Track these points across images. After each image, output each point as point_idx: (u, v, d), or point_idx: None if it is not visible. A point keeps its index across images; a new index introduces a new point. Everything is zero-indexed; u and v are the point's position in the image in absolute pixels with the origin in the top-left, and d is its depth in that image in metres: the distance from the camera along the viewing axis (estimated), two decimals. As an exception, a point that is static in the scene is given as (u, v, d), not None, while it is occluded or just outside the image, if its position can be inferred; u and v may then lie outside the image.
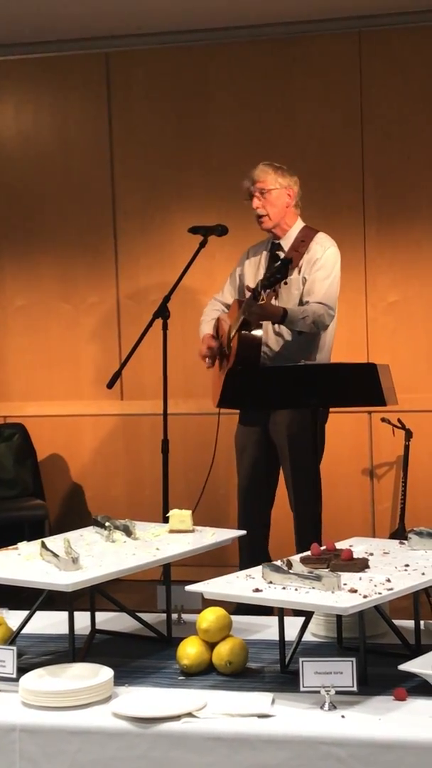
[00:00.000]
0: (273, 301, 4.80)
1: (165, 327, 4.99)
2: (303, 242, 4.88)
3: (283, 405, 4.80)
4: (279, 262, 4.61)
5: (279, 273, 4.54)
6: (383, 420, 5.90)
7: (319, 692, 2.52)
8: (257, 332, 4.78)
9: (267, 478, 4.97)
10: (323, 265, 4.87)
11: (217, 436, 5.14)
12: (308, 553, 2.97)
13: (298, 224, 4.95)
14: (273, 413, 4.90)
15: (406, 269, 6.02)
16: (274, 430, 4.90)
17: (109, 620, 3.30)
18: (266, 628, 3.15)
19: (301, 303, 4.79)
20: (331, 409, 5.10)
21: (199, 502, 5.18)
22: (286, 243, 4.93)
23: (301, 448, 4.85)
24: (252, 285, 4.86)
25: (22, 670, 2.76)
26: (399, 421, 5.88)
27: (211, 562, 5.08)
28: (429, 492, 6.01)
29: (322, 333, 4.88)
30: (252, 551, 4.81)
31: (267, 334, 4.84)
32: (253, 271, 4.98)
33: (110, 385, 5.03)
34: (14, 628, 3.04)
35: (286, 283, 4.71)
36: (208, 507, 5.44)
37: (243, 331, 4.75)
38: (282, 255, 4.84)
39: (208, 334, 5.00)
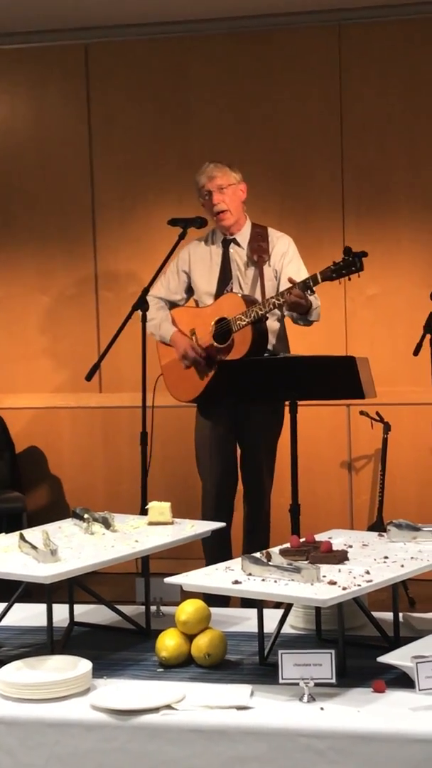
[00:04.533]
0: (234, 291, 4.86)
1: (144, 319, 4.97)
2: (260, 236, 4.92)
3: (261, 398, 4.80)
4: (351, 257, 4.50)
5: (354, 266, 4.49)
6: (362, 413, 5.91)
7: (298, 684, 2.52)
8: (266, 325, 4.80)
9: (235, 473, 4.99)
10: (294, 257, 4.93)
11: (152, 428, 5.08)
12: (287, 545, 2.97)
13: (248, 220, 5.00)
14: (241, 407, 4.90)
15: (386, 262, 6.02)
16: (245, 425, 4.91)
17: (88, 613, 3.29)
18: (245, 620, 3.15)
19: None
20: (309, 402, 5.11)
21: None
22: (243, 239, 4.95)
23: (271, 444, 4.93)
24: (208, 283, 4.91)
25: (0, 662, 2.75)
26: (377, 414, 5.88)
27: (191, 555, 5.08)
28: (407, 485, 6.03)
29: (283, 326, 4.95)
30: (221, 547, 4.80)
31: None
32: (205, 268, 4.98)
33: (89, 377, 5.01)
34: (-8, 621, 3.04)
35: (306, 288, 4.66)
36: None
37: (258, 324, 4.75)
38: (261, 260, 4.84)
39: (181, 332, 4.98)
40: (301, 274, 4.81)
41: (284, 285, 4.76)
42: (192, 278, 5.02)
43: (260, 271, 4.84)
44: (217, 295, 4.92)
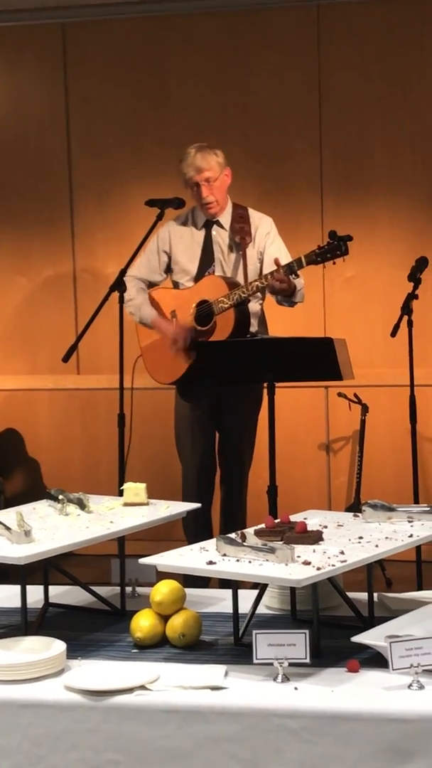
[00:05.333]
0: (216, 273, 4.84)
1: (121, 300, 4.95)
2: (242, 218, 4.89)
3: (239, 380, 4.79)
4: (336, 241, 4.49)
5: (339, 250, 4.49)
6: (340, 395, 5.91)
7: (272, 664, 2.52)
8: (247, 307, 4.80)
9: (215, 455, 4.98)
10: (275, 238, 4.93)
11: (132, 409, 5.06)
12: (262, 525, 2.97)
13: (229, 201, 4.97)
14: (221, 389, 4.89)
15: (364, 244, 5.99)
16: (225, 407, 4.90)
17: (63, 594, 3.28)
18: (220, 601, 3.15)
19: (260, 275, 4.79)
20: (287, 384, 5.10)
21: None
22: (225, 221, 4.92)
23: (251, 426, 4.92)
24: (189, 264, 4.87)
25: (-26, 643, 2.74)
26: (355, 395, 5.89)
27: (170, 537, 5.07)
28: (384, 466, 6.03)
29: (263, 308, 4.93)
30: (203, 525, 4.82)
31: None
32: (187, 249, 4.93)
33: (66, 359, 4.99)
34: (-34, 602, 3.03)
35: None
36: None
37: (240, 307, 4.73)
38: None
39: (163, 315, 4.95)
40: (283, 253, 4.81)
41: (268, 266, 4.73)
42: (173, 259, 4.96)
43: (243, 254, 4.81)
44: (198, 277, 4.88)
